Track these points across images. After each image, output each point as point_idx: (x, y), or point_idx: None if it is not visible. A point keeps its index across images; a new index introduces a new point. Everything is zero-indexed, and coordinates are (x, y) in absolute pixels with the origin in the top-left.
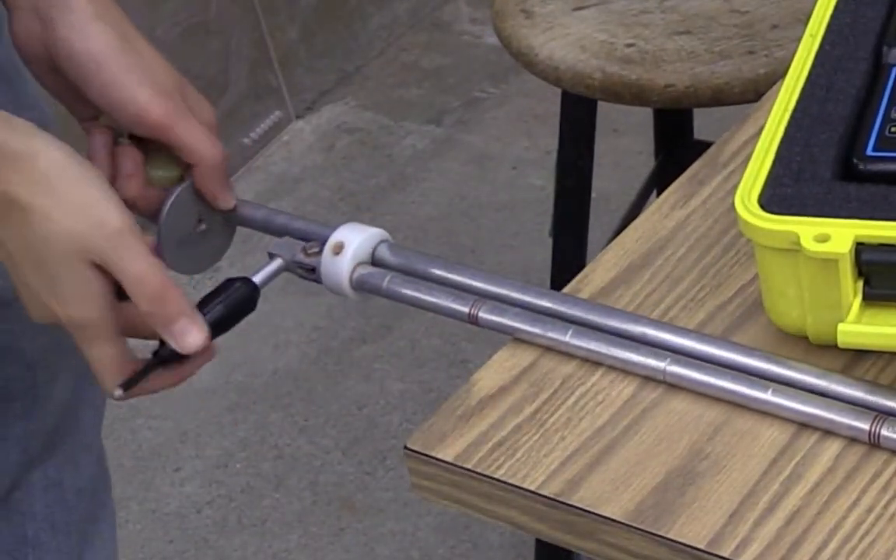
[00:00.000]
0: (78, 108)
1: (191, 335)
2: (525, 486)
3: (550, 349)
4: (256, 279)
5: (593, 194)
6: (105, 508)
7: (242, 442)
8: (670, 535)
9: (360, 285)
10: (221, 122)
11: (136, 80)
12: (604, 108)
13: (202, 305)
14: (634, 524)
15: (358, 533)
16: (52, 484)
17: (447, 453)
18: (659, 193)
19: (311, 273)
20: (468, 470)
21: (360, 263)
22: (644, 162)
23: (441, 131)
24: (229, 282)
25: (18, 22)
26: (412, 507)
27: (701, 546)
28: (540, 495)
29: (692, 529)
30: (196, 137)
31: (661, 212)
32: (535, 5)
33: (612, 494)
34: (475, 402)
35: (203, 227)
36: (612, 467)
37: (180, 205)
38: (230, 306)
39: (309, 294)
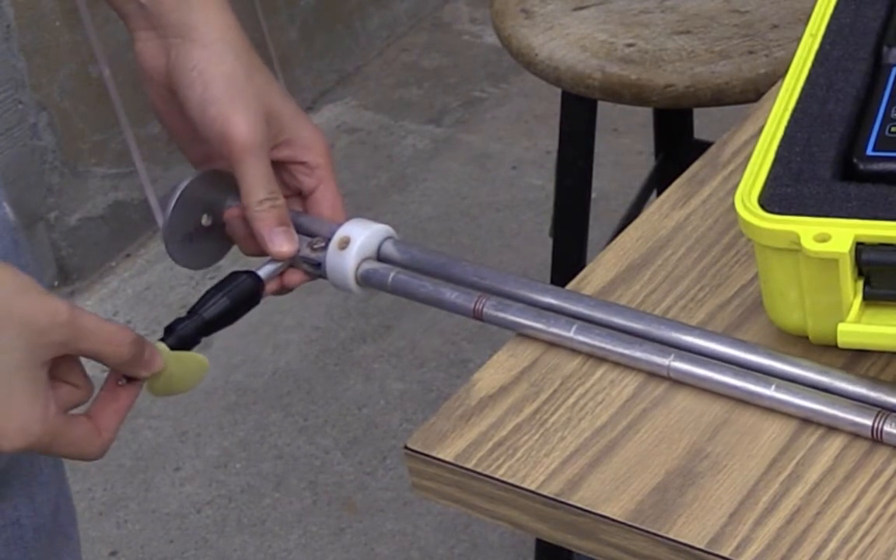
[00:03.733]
0: (190, 149)
1: (156, 360)
2: (525, 485)
3: (552, 347)
4: (261, 273)
5: (593, 194)
6: (69, 542)
7: (242, 442)
8: (670, 535)
9: (365, 280)
10: None
11: (237, 104)
12: (604, 108)
13: (207, 298)
14: (634, 524)
15: (358, 533)
16: (10, 523)
17: (447, 453)
18: (659, 193)
19: (317, 268)
20: (468, 470)
21: (365, 259)
22: (644, 162)
23: (441, 131)
24: (234, 275)
25: (142, 42)
26: (412, 507)
27: (701, 546)
28: (540, 495)
29: (692, 529)
30: (258, 182)
31: (661, 212)
32: (535, 5)
33: (612, 494)
34: (475, 402)
35: (208, 222)
36: (612, 467)
37: (186, 200)
38: (234, 299)
39: (309, 294)
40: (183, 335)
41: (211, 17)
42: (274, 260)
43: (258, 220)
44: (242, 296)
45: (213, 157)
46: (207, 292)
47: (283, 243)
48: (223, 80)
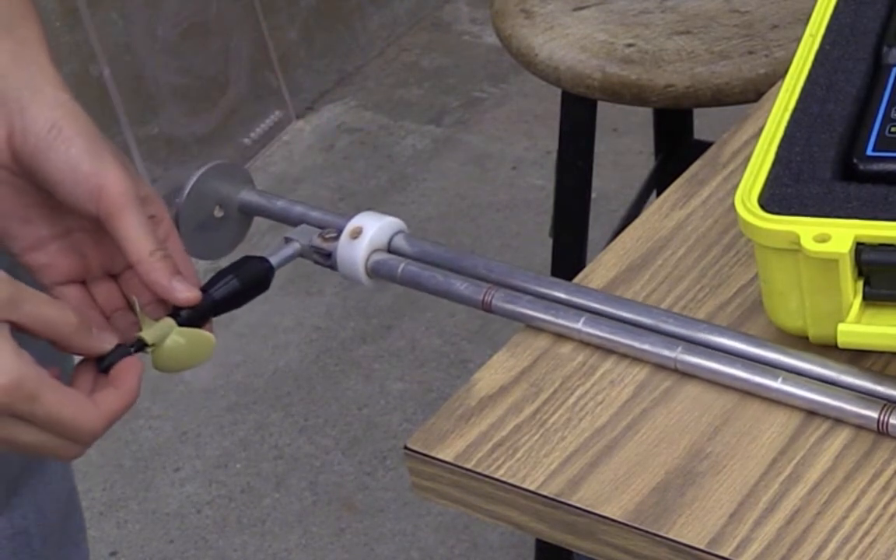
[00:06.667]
0: (31, 230)
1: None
2: (525, 486)
3: (552, 347)
4: (272, 260)
5: (593, 194)
6: (78, 550)
7: (242, 442)
8: (670, 535)
9: (375, 271)
10: (221, 123)
11: (106, 157)
12: (604, 108)
13: (218, 278)
14: (634, 524)
15: (358, 533)
16: (18, 532)
17: (447, 453)
18: (659, 193)
19: (327, 259)
20: (468, 470)
21: (376, 250)
22: (644, 162)
23: (441, 131)
24: (246, 259)
25: None
26: (412, 507)
27: (701, 546)
28: (540, 495)
29: (692, 529)
30: (144, 232)
31: (661, 212)
32: (535, 5)
33: (612, 494)
34: (475, 402)
35: (221, 214)
36: (612, 467)
37: (200, 189)
38: (245, 280)
39: (309, 294)
40: (191, 313)
41: (50, 75)
42: (286, 248)
43: (156, 272)
44: (253, 279)
45: (72, 228)
46: (218, 273)
47: (185, 290)
48: (86, 135)
